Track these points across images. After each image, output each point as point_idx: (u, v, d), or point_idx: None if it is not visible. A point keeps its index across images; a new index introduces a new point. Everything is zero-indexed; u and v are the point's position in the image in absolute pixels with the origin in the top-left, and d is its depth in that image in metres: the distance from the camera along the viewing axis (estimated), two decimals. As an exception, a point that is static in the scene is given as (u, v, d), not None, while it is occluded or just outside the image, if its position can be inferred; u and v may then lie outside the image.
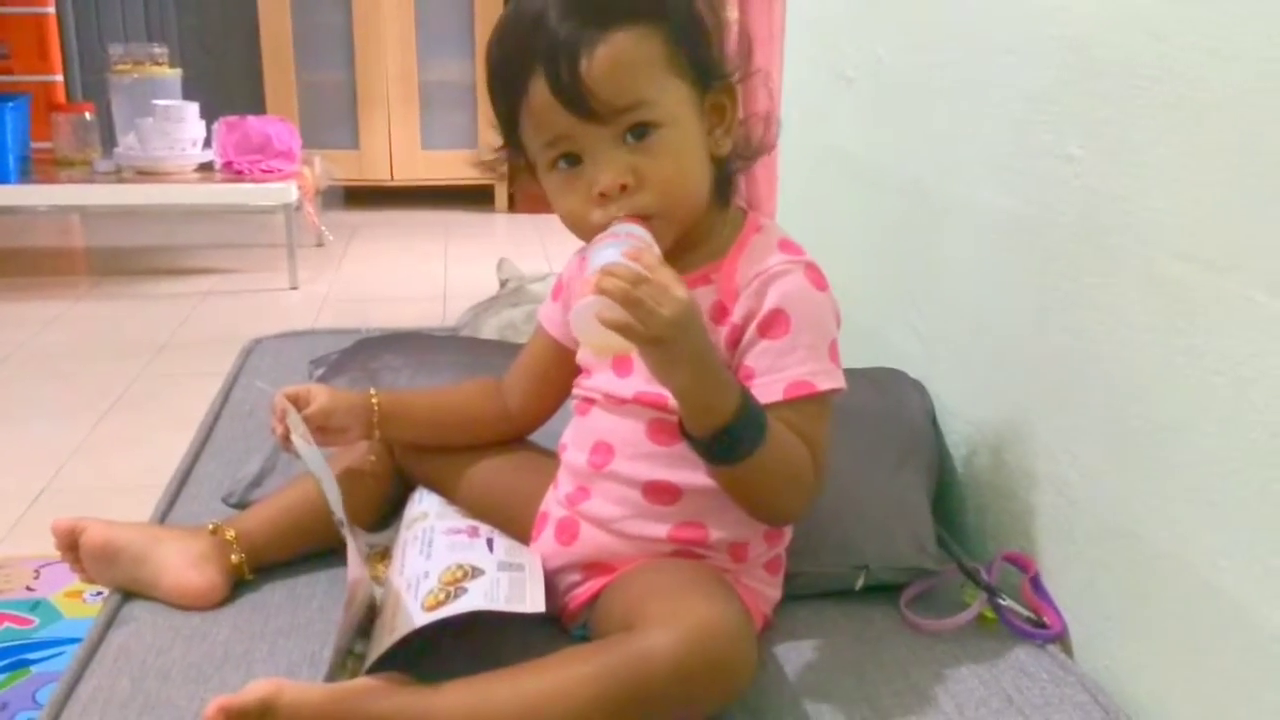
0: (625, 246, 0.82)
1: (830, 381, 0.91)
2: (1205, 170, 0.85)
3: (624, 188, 0.88)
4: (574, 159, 0.90)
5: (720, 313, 0.92)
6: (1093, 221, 0.99)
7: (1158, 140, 0.90)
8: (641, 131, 0.88)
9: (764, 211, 1.79)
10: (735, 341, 0.92)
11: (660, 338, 0.79)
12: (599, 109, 0.86)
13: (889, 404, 1.26)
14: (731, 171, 0.97)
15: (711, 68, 0.92)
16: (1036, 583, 1.06)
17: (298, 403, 1.03)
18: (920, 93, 1.37)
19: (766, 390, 0.89)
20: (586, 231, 0.91)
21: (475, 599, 0.88)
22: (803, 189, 1.82)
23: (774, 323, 0.90)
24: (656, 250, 0.84)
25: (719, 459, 0.86)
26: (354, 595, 0.88)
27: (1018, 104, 1.12)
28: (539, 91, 0.87)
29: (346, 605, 0.87)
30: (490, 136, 0.97)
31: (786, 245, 0.94)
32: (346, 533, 0.92)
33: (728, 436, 0.84)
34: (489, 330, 1.70)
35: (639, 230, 0.86)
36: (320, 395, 1.04)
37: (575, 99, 0.86)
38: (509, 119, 0.92)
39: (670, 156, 0.88)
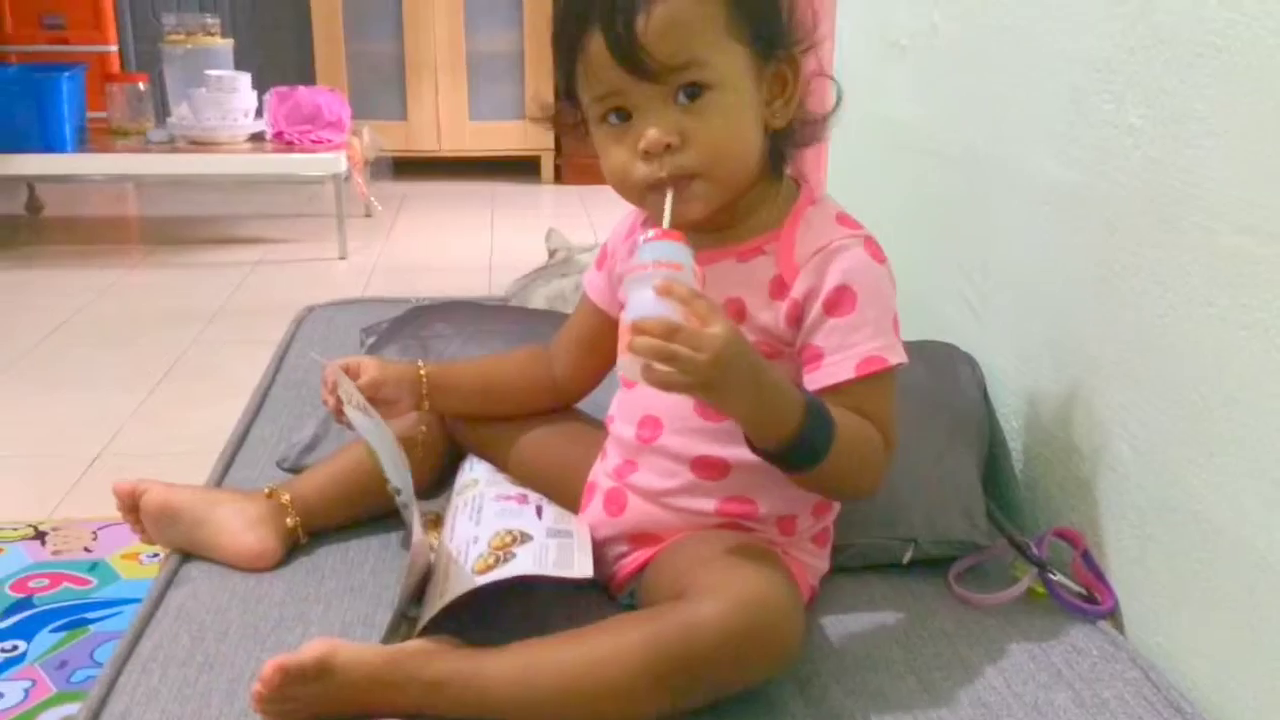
0: (657, 279, 0.79)
1: (898, 356, 0.90)
2: (1270, 141, 0.82)
3: (669, 146, 0.87)
4: (624, 114, 0.89)
5: (779, 287, 0.92)
6: (1154, 193, 0.97)
7: (1222, 110, 0.88)
8: (693, 91, 0.87)
9: (812, 181, 1.77)
10: (795, 318, 0.91)
11: (707, 382, 0.78)
12: (652, 66, 0.85)
13: (940, 378, 1.25)
14: (788, 146, 0.96)
15: (776, 36, 0.90)
16: (1088, 558, 1.05)
17: (348, 374, 1.04)
18: (976, 60, 1.35)
19: (838, 369, 0.89)
20: (630, 188, 0.90)
21: (524, 563, 0.89)
22: (853, 158, 1.80)
23: (840, 300, 0.89)
24: (689, 273, 0.81)
25: (793, 468, 0.86)
26: (414, 560, 0.89)
27: (1077, 72, 1.10)
28: (596, 46, 0.86)
29: (408, 569, 0.89)
30: (542, 98, 0.97)
31: (844, 219, 0.94)
32: (410, 500, 0.93)
33: (798, 446, 0.83)
34: (538, 300, 1.70)
35: (670, 250, 0.81)
36: (370, 367, 1.05)
37: (629, 56, 0.85)
38: (567, 72, 0.91)
39: (719, 119, 0.87)
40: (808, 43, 0.93)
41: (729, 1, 0.87)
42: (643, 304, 0.79)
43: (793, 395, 0.83)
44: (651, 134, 0.87)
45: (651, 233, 0.83)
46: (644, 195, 0.90)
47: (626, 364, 0.79)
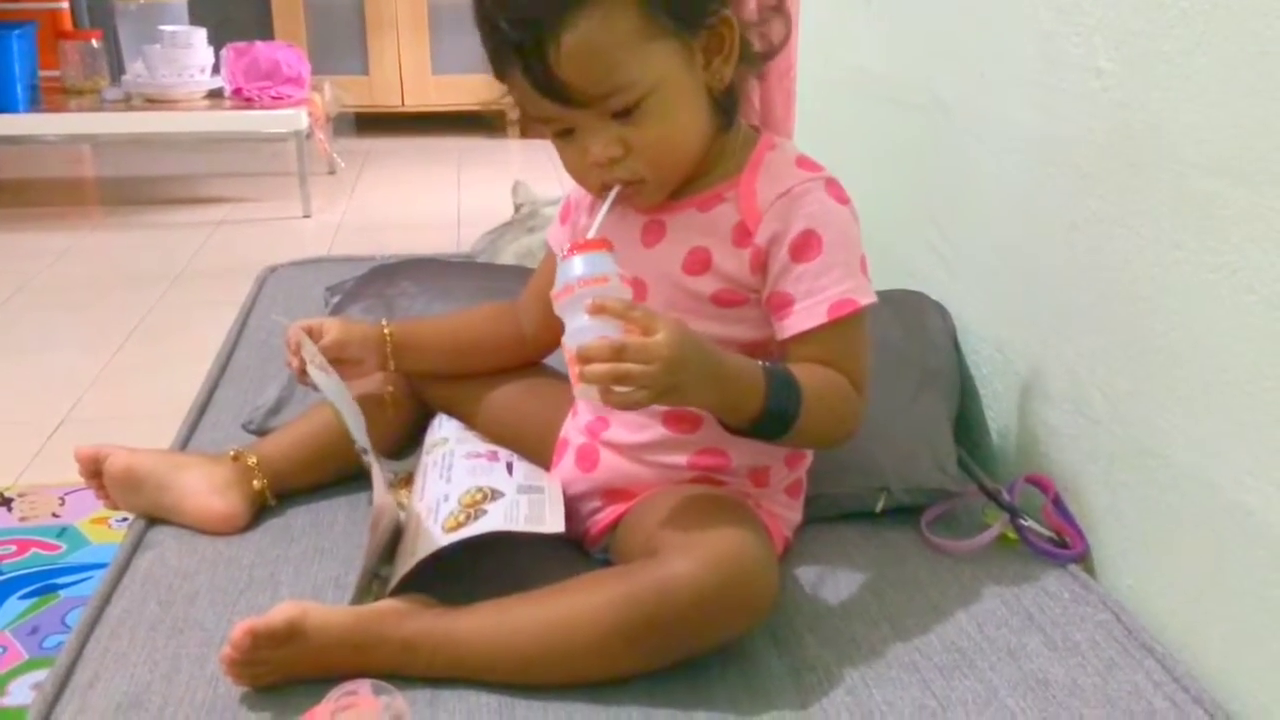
0: (587, 300, 0.79)
1: (867, 296, 0.90)
2: (1240, 82, 0.82)
3: (614, 158, 0.87)
4: (568, 130, 0.89)
5: (742, 234, 0.91)
6: (1123, 137, 0.96)
7: (1191, 52, 0.87)
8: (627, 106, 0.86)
9: (782, 133, 1.75)
10: (760, 264, 0.90)
11: (667, 389, 0.78)
12: (577, 99, 0.84)
13: (910, 326, 1.25)
14: (737, 91, 0.94)
15: (698, 6, 0.87)
16: (1058, 503, 1.05)
17: (311, 336, 1.02)
18: (943, 6, 1.34)
19: (810, 315, 0.88)
20: (590, 189, 0.93)
21: (495, 520, 0.89)
22: (821, 108, 1.79)
23: (806, 245, 0.89)
24: (616, 282, 0.81)
25: (768, 438, 0.86)
26: (379, 519, 0.89)
27: (1045, 15, 1.09)
28: (520, 82, 0.86)
29: (371, 528, 0.88)
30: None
31: (804, 162, 0.93)
32: (371, 459, 0.92)
33: (768, 419, 0.84)
34: (507, 256, 1.69)
35: (591, 263, 0.81)
36: (333, 328, 1.04)
37: (552, 91, 0.84)
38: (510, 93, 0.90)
39: (657, 123, 0.87)
40: None
41: (639, 4, 0.83)
42: (581, 330, 0.79)
43: (752, 372, 0.84)
44: (595, 151, 0.87)
45: (568, 245, 0.83)
46: (600, 192, 0.91)
47: (582, 392, 0.79)
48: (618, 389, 0.77)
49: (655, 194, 0.91)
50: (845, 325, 0.89)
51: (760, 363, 0.85)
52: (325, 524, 1.04)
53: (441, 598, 0.86)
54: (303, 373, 0.99)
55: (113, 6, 3.49)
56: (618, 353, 0.76)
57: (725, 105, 0.92)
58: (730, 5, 0.89)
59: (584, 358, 0.77)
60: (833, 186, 0.91)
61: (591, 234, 0.85)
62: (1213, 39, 0.85)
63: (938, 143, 1.36)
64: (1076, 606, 0.94)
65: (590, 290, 0.79)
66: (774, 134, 0.97)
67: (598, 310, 0.78)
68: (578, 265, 0.81)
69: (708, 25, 0.88)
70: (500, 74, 0.88)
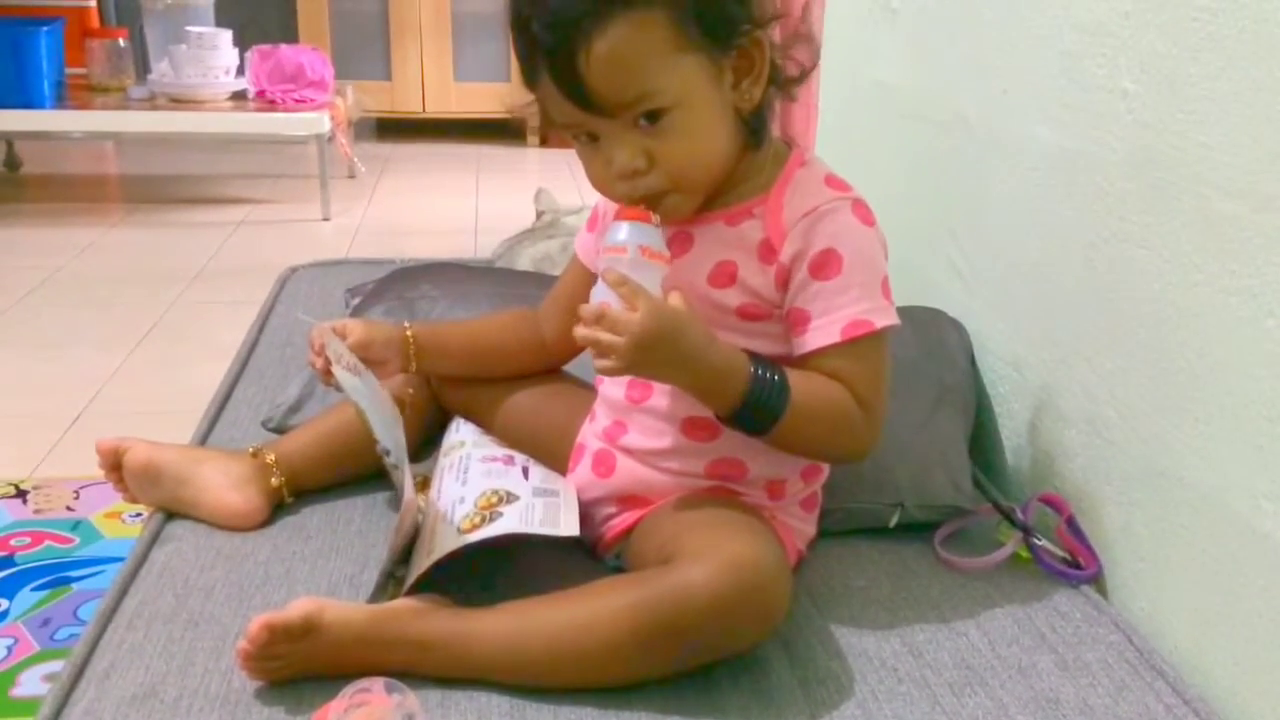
0: (603, 266, 0.85)
1: (885, 319, 0.90)
2: (1264, 106, 0.82)
3: (637, 170, 0.88)
4: (592, 135, 0.89)
5: (768, 251, 0.91)
6: (1145, 158, 0.97)
7: (1216, 75, 0.88)
8: (652, 115, 0.86)
9: (801, 146, 1.76)
10: (784, 281, 0.91)
11: (631, 365, 0.83)
12: (603, 105, 0.85)
13: (927, 343, 1.25)
14: (766, 112, 0.94)
15: (729, 26, 0.88)
16: (1072, 523, 1.05)
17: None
18: (967, 24, 1.34)
19: (824, 333, 0.89)
20: (615, 200, 0.93)
21: (510, 522, 0.89)
22: (842, 123, 1.79)
23: (826, 263, 0.89)
24: (633, 253, 0.85)
25: (749, 430, 0.88)
26: (404, 519, 0.89)
27: (1069, 35, 1.09)
28: (548, 85, 0.87)
29: (396, 529, 0.88)
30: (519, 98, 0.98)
31: (833, 181, 0.93)
32: (403, 458, 0.92)
33: (746, 411, 0.86)
34: (524, 262, 1.69)
35: (622, 232, 0.86)
36: (356, 329, 1.04)
37: (579, 97, 0.85)
38: (535, 97, 0.91)
39: (682, 137, 0.87)
40: (771, 14, 0.91)
41: (671, 15, 0.84)
42: (595, 292, 0.85)
43: (734, 365, 0.85)
44: (619, 161, 0.88)
45: (615, 209, 0.88)
46: (625, 204, 0.91)
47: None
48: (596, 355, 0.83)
49: (681, 207, 0.92)
50: (860, 346, 0.89)
51: (752, 359, 0.86)
52: (341, 522, 1.05)
53: (456, 600, 0.86)
54: (326, 373, 1.00)
55: (140, 6, 3.52)
56: (598, 319, 0.82)
57: (753, 126, 0.93)
58: (764, 27, 0.90)
59: (579, 317, 0.83)
60: (859, 207, 0.91)
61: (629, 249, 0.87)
62: (1238, 64, 0.85)
63: (958, 159, 1.36)
64: (1088, 627, 0.94)
65: (610, 257, 0.86)
66: (802, 149, 0.97)
67: (604, 278, 0.84)
68: (616, 231, 0.87)
69: (739, 45, 0.88)
70: (529, 78, 0.89)
